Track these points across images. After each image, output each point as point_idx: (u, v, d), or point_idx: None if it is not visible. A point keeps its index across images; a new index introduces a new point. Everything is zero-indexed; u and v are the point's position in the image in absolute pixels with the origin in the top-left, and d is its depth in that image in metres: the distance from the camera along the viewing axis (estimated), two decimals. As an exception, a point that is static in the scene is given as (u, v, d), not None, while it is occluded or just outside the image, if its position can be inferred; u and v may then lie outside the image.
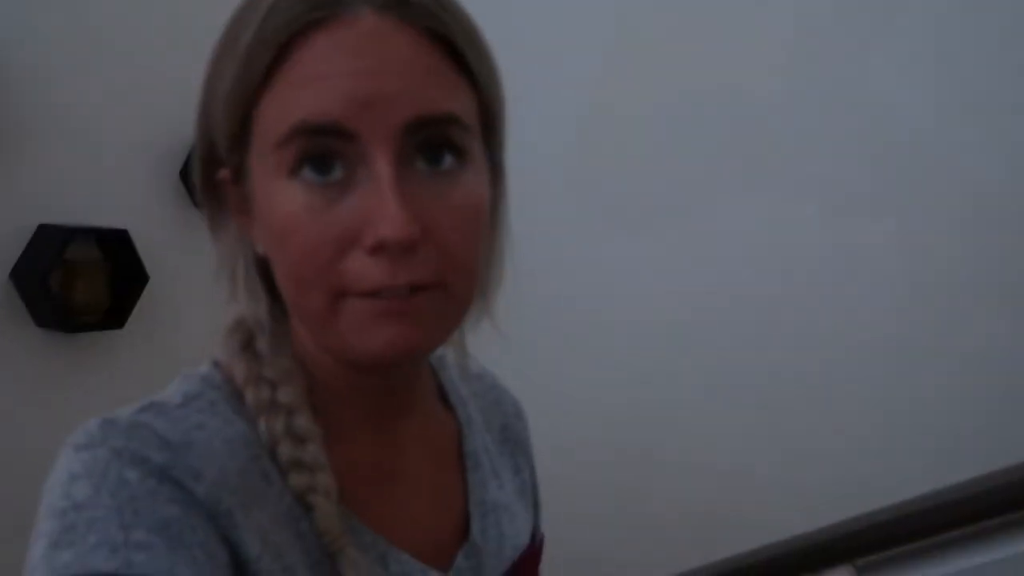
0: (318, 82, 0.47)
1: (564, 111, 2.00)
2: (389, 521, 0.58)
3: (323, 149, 0.47)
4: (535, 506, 0.75)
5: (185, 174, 1.99)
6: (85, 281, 1.80)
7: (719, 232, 1.89)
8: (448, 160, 0.49)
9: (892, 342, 1.73)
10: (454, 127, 0.49)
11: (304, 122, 0.47)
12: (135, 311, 1.86)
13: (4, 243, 1.71)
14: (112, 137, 1.87)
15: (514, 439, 0.74)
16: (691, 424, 1.93)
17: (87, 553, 0.42)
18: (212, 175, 0.55)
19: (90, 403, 1.77)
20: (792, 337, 1.83)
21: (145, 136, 1.93)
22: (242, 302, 0.56)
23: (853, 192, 1.76)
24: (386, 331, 0.48)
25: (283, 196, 0.48)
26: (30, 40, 1.72)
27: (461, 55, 0.50)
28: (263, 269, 0.56)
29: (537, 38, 1.99)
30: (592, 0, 2.00)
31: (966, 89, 1.64)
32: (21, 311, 1.72)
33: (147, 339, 1.89)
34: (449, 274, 0.49)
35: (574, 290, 2.01)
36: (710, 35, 1.88)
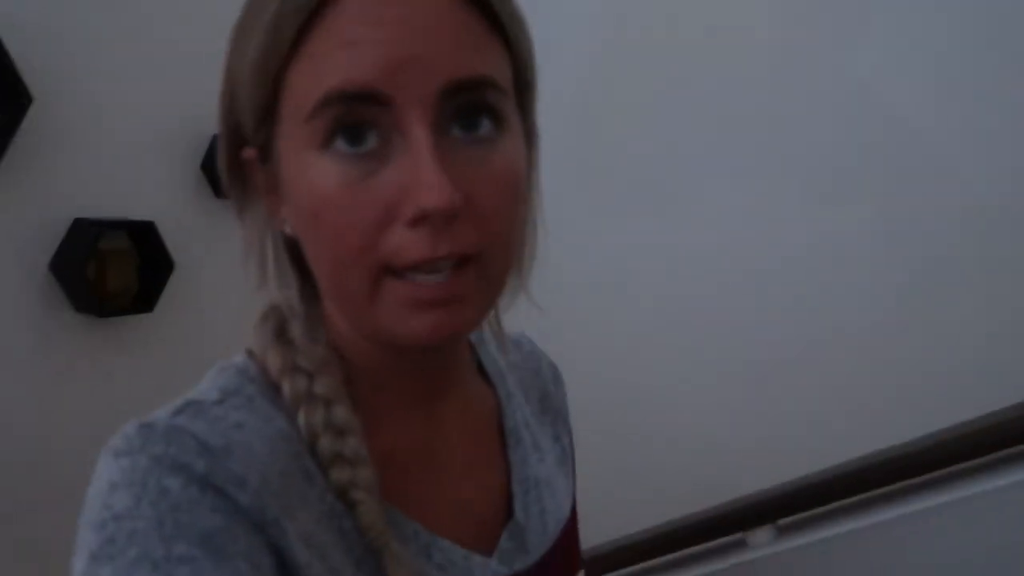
0: (349, 48, 0.45)
1: (560, 96, 2.08)
2: (430, 509, 0.56)
3: (356, 118, 0.45)
4: (573, 472, 0.74)
5: (206, 167, 2.16)
6: (116, 270, 1.99)
7: (707, 217, 1.99)
8: (485, 125, 0.48)
9: (869, 323, 1.81)
10: (491, 91, 0.47)
11: (336, 90, 0.45)
12: (162, 296, 2.04)
13: (44, 236, 1.90)
14: (138, 136, 2.04)
15: (554, 407, 0.73)
16: (680, 396, 2.04)
17: (128, 568, 0.41)
18: (237, 156, 0.54)
19: (124, 380, 1.98)
20: (776, 317, 1.92)
21: (169, 133, 2.09)
22: (272, 287, 0.54)
23: (837, 178, 1.83)
24: (428, 317, 0.47)
25: (316, 170, 0.46)
26: (63, 43, 1.89)
27: (495, 15, 0.48)
28: (292, 252, 0.54)
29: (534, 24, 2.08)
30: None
31: (950, 76, 1.69)
32: (61, 298, 1.92)
33: (174, 321, 2.08)
34: (487, 245, 0.48)
35: (569, 273, 2.12)
36: (700, 23, 1.96)
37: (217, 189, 2.17)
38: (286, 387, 0.52)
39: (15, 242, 1.85)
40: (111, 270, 1.98)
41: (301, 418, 0.51)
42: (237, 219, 0.56)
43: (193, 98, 2.07)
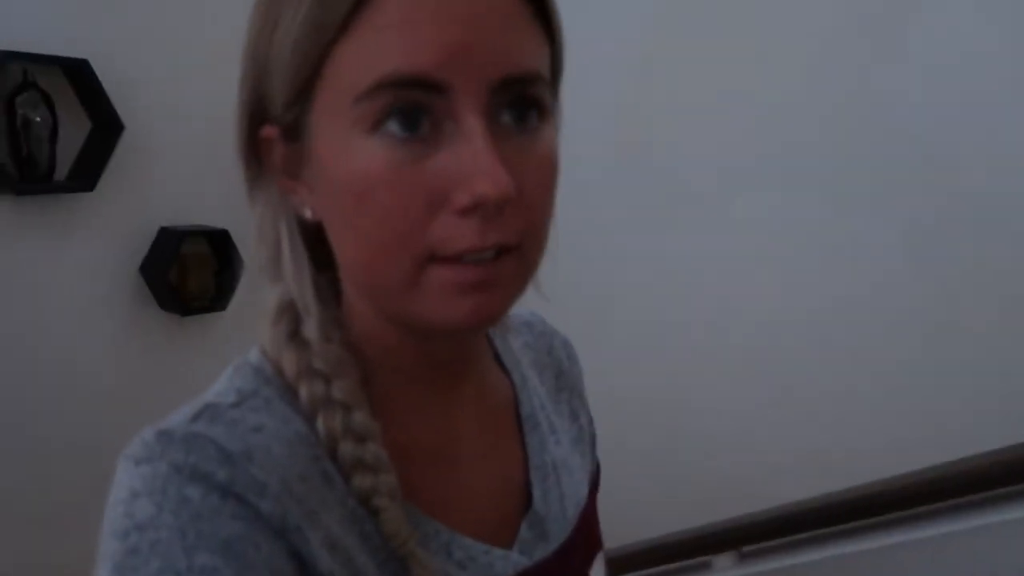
0: (408, 30, 0.43)
1: (598, 109, 2.13)
2: (450, 505, 0.56)
3: (412, 103, 0.44)
4: (592, 441, 0.75)
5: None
6: (196, 273, 2.25)
7: (733, 225, 2.04)
8: (532, 117, 0.48)
9: (891, 334, 1.85)
10: (540, 85, 0.48)
11: (393, 74, 0.43)
12: (232, 296, 2.30)
13: (134, 243, 2.17)
14: (214, 151, 2.26)
15: (569, 385, 0.73)
16: (694, 403, 2.13)
17: None
18: (255, 134, 0.52)
19: (201, 368, 2.23)
20: (796, 326, 1.97)
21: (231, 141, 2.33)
22: (287, 277, 0.53)
23: (862, 190, 1.85)
24: (470, 300, 0.47)
25: (363, 153, 0.45)
26: (147, 75, 2.14)
27: (544, 5, 0.49)
28: (307, 239, 0.53)
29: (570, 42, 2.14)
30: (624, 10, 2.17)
31: (976, 90, 1.69)
32: (149, 298, 2.20)
33: (246, 318, 2.34)
34: (527, 234, 0.48)
35: (592, 277, 2.17)
36: (733, 39, 2.00)
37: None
38: (303, 391, 0.51)
39: (110, 249, 2.14)
40: (191, 273, 2.25)
41: (320, 424, 0.50)
42: (248, 200, 0.54)
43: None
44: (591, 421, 0.75)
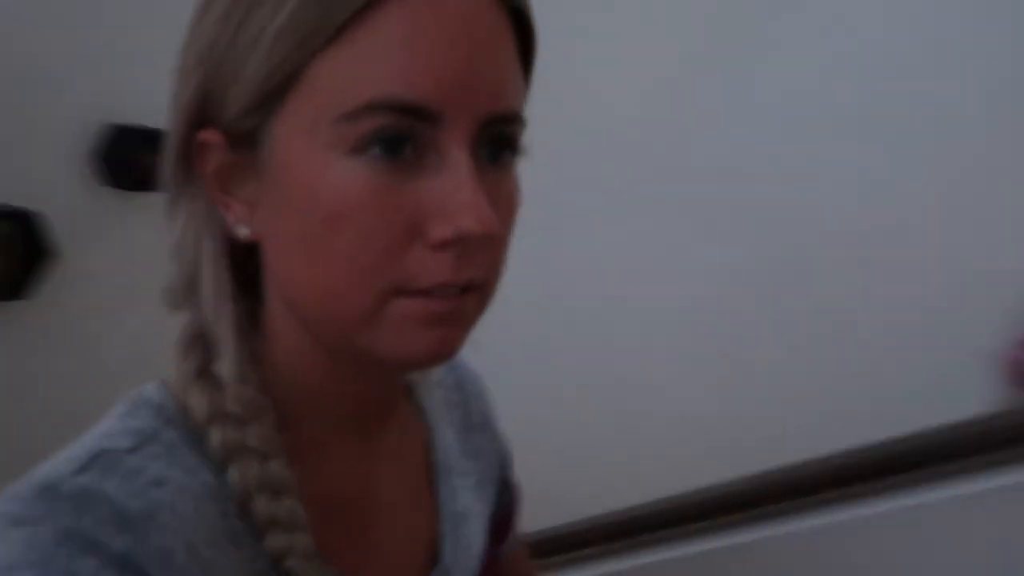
0: (410, 52, 0.41)
1: None
2: (363, 561, 0.54)
3: (402, 129, 0.42)
4: (506, 459, 0.74)
5: (97, 155, 2.20)
6: (-6, 256, 2.03)
7: (605, 243, 2.15)
8: (507, 155, 0.47)
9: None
10: (519, 125, 0.47)
11: (389, 97, 0.41)
12: (41, 284, 2.10)
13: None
14: (23, 122, 2.07)
15: (477, 422, 0.71)
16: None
17: None
18: (191, 137, 0.47)
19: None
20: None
21: (55, 120, 2.13)
22: (204, 304, 0.48)
23: (717, 216, 2.00)
24: (436, 333, 0.45)
25: (341, 174, 0.42)
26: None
27: (529, 44, 0.49)
28: (233, 262, 0.49)
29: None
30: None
31: (811, 126, 1.86)
32: (-67, 282, 1.96)
33: (50, 308, 2.15)
34: (492, 271, 0.48)
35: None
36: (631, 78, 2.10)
37: (105, 179, 2.21)
38: (215, 437, 0.46)
39: None
40: (-11, 257, 2.03)
41: (233, 475, 0.46)
42: (168, 212, 0.49)
43: (82, 84, 2.11)
44: (503, 448, 0.74)
